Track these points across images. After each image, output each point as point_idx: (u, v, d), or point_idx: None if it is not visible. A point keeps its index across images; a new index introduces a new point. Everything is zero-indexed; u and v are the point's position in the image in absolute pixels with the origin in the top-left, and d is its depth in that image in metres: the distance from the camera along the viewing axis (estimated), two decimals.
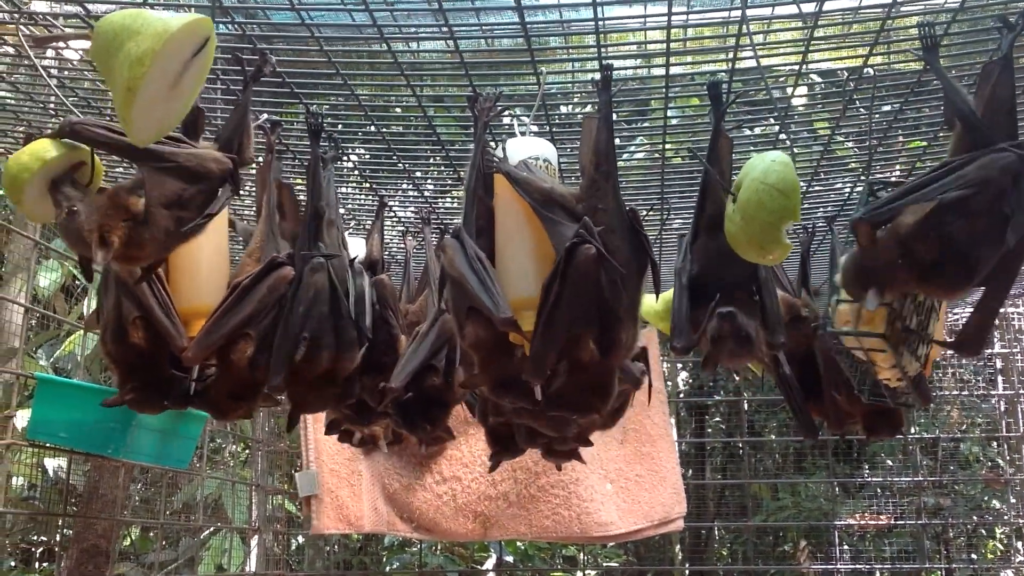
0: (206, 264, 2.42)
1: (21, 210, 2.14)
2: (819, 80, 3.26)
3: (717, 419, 11.12)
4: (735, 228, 2.06)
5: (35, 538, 8.46)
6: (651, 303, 3.13)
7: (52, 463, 5.71)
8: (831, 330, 2.28)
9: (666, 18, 2.35)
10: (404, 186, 3.82)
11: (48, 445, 3.56)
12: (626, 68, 2.90)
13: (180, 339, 2.33)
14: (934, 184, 1.98)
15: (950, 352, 4.76)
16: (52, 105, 3.01)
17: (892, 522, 8.01)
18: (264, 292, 2.34)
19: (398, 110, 3.50)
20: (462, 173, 3.29)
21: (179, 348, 2.32)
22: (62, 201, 1.94)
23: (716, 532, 10.29)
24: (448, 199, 4.00)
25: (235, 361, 2.32)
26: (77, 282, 7.27)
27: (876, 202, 2.07)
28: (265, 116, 2.64)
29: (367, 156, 3.46)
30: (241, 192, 2.35)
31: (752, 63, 2.60)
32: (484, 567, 8.86)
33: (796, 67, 2.64)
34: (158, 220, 1.99)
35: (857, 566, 7.48)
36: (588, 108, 3.47)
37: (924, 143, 3.13)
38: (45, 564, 8.64)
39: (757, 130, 3.39)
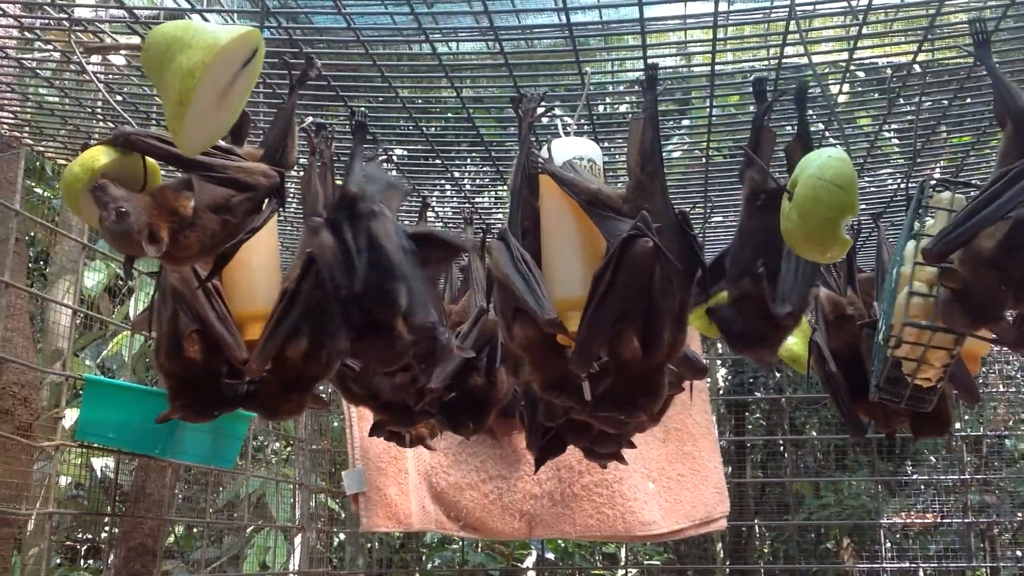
0: (259, 268, 2.42)
1: (82, 219, 2.15)
2: (863, 76, 3.23)
3: (757, 415, 11.06)
4: (792, 226, 2.03)
5: (80, 536, 8.57)
6: None
7: (99, 462, 5.78)
8: (909, 322, 2.21)
9: (711, 16, 2.34)
10: (444, 185, 3.84)
11: (96, 446, 3.60)
12: (668, 68, 2.89)
13: (239, 350, 2.33)
14: (1000, 199, 1.91)
15: (996, 348, 4.70)
16: (99, 109, 3.04)
17: (938, 520, 7.93)
18: (308, 290, 2.34)
19: (436, 109, 3.50)
20: (502, 169, 3.30)
21: (238, 359, 2.33)
22: (108, 203, 1.91)
23: (757, 530, 10.24)
24: (488, 196, 4.01)
25: (289, 357, 2.32)
26: (121, 282, 7.35)
27: (943, 230, 2.01)
28: (310, 119, 2.65)
29: (406, 156, 3.47)
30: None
31: (795, 59, 2.58)
32: (524, 565, 8.88)
33: (840, 62, 2.62)
34: (205, 223, 1.99)
35: (903, 565, 7.40)
36: (623, 107, 3.47)
37: (970, 138, 3.09)
38: (90, 562, 8.75)
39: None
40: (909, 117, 3.07)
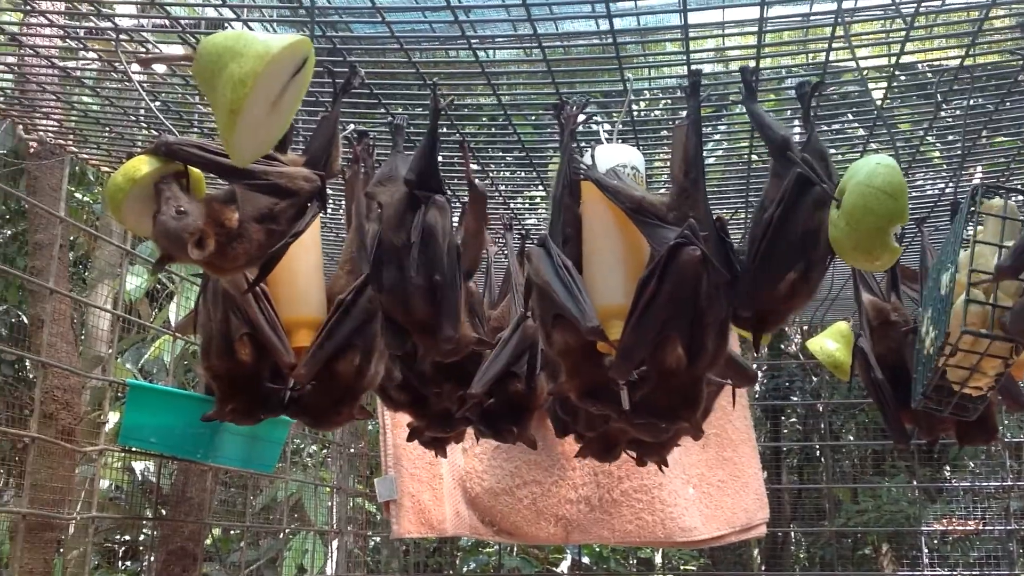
0: (303, 273, 2.43)
1: (126, 228, 2.17)
2: (903, 78, 3.20)
3: (793, 420, 10.99)
4: (840, 234, 2.02)
5: (119, 538, 8.64)
6: None
7: (139, 464, 5.84)
8: (968, 331, 2.16)
9: (753, 20, 2.34)
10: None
11: (139, 450, 3.64)
12: (709, 72, 2.87)
13: (287, 355, 2.35)
14: None
15: None
16: (142, 116, 3.07)
17: (980, 527, 7.83)
18: (365, 304, 2.36)
19: (472, 112, 3.50)
20: (540, 172, 3.30)
21: (287, 364, 2.34)
22: (170, 199, 1.94)
23: (793, 535, 10.17)
24: (524, 199, 4.00)
25: (342, 371, 2.34)
26: (161, 286, 7.42)
27: (1017, 246, 1.97)
28: (352, 127, 2.66)
29: (442, 160, 3.48)
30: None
31: (839, 63, 2.56)
32: (559, 569, 8.87)
33: (887, 67, 2.60)
34: (251, 234, 2.01)
35: (943, 572, 7.32)
36: (657, 112, 3.45)
37: (1014, 142, 3.06)
38: (128, 563, 8.82)
39: (835, 126, 3.35)
40: (951, 120, 3.05)
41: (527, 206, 4.01)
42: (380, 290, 2.28)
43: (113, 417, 4.73)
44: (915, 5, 2.22)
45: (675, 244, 2.03)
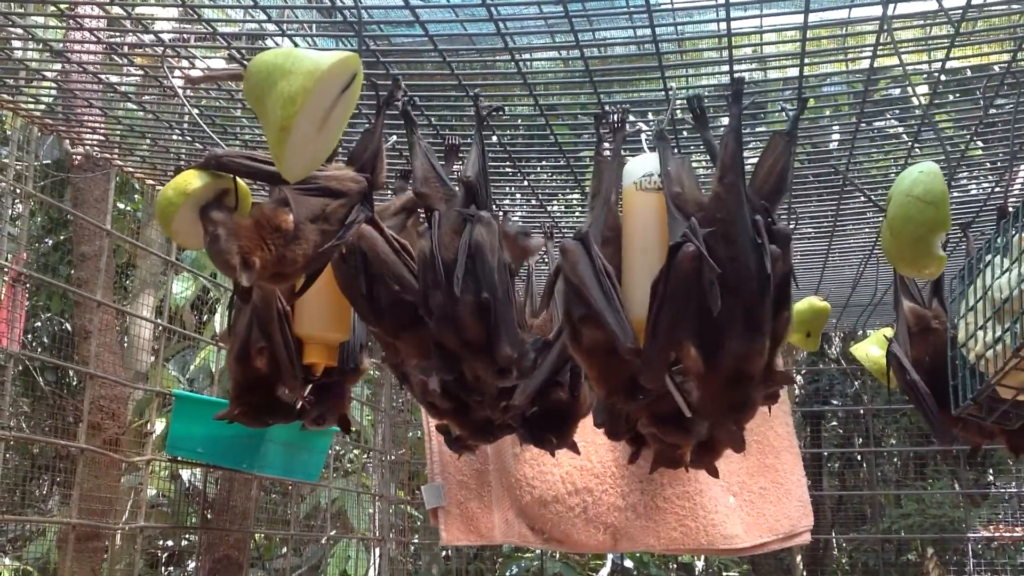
0: (319, 290, 2.36)
1: (177, 243, 2.20)
2: (945, 79, 3.17)
3: (834, 423, 10.90)
4: (887, 244, 2.03)
5: (161, 544, 8.72)
6: None
7: (185, 472, 5.89)
8: None
9: (794, 27, 2.33)
10: (515, 193, 3.85)
11: (185, 460, 3.67)
12: (752, 80, 2.86)
13: (294, 379, 2.43)
14: None
15: None
16: (186, 128, 3.10)
17: None
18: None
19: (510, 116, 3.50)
20: (576, 175, 3.29)
21: (292, 386, 2.46)
22: (207, 226, 1.99)
23: (835, 541, 10.08)
24: (559, 203, 4.00)
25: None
26: (208, 294, 7.48)
27: None
28: (394, 138, 2.68)
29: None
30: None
31: (876, 63, 2.54)
32: (600, 574, 8.85)
33: (933, 72, 2.57)
34: (307, 235, 2.03)
35: None
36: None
37: None
38: (171, 568, 8.90)
39: (877, 125, 3.32)
40: (998, 123, 3.01)
41: (563, 209, 4.01)
42: (429, 316, 2.21)
43: (159, 426, 4.78)
44: (961, 10, 2.19)
45: (674, 244, 2.02)
